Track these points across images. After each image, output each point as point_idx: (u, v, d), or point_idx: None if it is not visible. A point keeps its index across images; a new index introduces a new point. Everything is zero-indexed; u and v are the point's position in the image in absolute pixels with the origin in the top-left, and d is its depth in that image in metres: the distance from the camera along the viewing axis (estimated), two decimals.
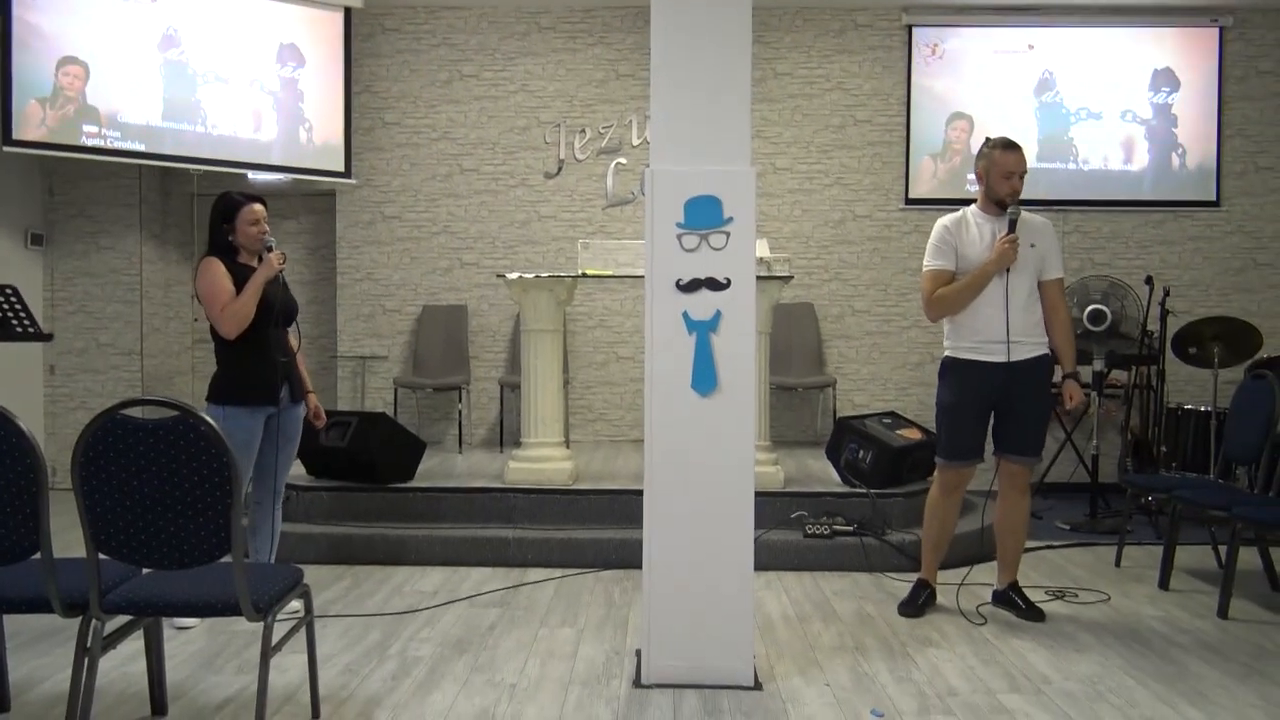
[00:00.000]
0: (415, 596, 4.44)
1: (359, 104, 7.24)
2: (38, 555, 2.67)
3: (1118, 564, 5.03)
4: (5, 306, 4.79)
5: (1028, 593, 4.21)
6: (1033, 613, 4.10)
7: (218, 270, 3.86)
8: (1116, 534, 5.27)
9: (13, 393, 6.32)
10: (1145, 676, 3.47)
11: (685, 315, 3.37)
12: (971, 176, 5.64)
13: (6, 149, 6.04)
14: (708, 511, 3.37)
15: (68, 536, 2.91)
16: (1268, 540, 4.62)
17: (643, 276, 3.45)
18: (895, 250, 7.21)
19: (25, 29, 6.01)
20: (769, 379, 5.54)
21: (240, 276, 3.87)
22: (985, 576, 4.43)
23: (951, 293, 4.01)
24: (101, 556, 2.65)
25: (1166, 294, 6.37)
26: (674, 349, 3.37)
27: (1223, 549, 4.71)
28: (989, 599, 4.26)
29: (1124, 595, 4.49)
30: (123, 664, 3.43)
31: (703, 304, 3.36)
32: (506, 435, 7.05)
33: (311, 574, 3.97)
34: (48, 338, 5.38)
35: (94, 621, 2.70)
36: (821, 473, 5.69)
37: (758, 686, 3.34)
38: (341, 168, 7.10)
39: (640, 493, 3.45)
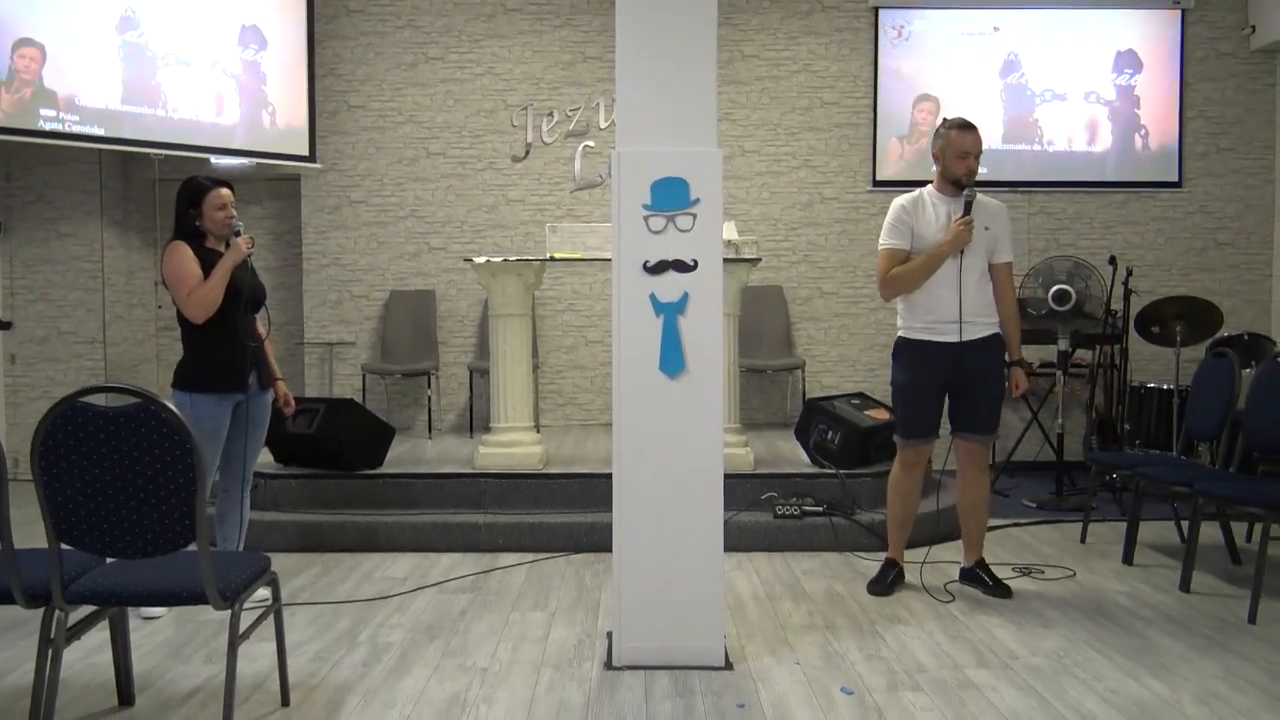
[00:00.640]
0: (385, 583, 4.42)
1: (323, 87, 7.15)
2: None
3: (1083, 540, 5.10)
4: None
5: (995, 570, 4.25)
6: (1000, 589, 4.15)
7: (185, 255, 3.81)
8: (1082, 511, 5.34)
9: None
10: (1110, 650, 3.52)
11: (652, 297, 3.36)
12: None
13: None
14: (677, 493, 3.38)
15: (31, 529, 2.86)
16: (1229, 515, 4.69)
17: (610, 260, 3.44)
18: (863, 232, 7.23)
19: None
20: (738, 361, 5.56)
21: (207, 262, 3.82)
22: (951, 555, 4.48)
23: (906, 272, 4.04)
24: (65, 547, 2.62)
25: (1130, 274, 6.44)
26: (641, 331, 3.36)
27: (1185, 524, 4.79)
28: (957, 577, 4.30)
29: (1089, 571, 4.55)
30: (88, 655, 3.40)
31: (670, 286, 3.36)
32: (476, 420, 7.02)
33: (281, 562, 3.94)
34: (7, 326, 5.31)
35: (57, 612, 2.67)
36: (791, 454, 5.72)
37: (729, 666, 3.36)
38: (306, 151, 7.02)
39: (610, 476, 3.45)
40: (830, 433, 5.33)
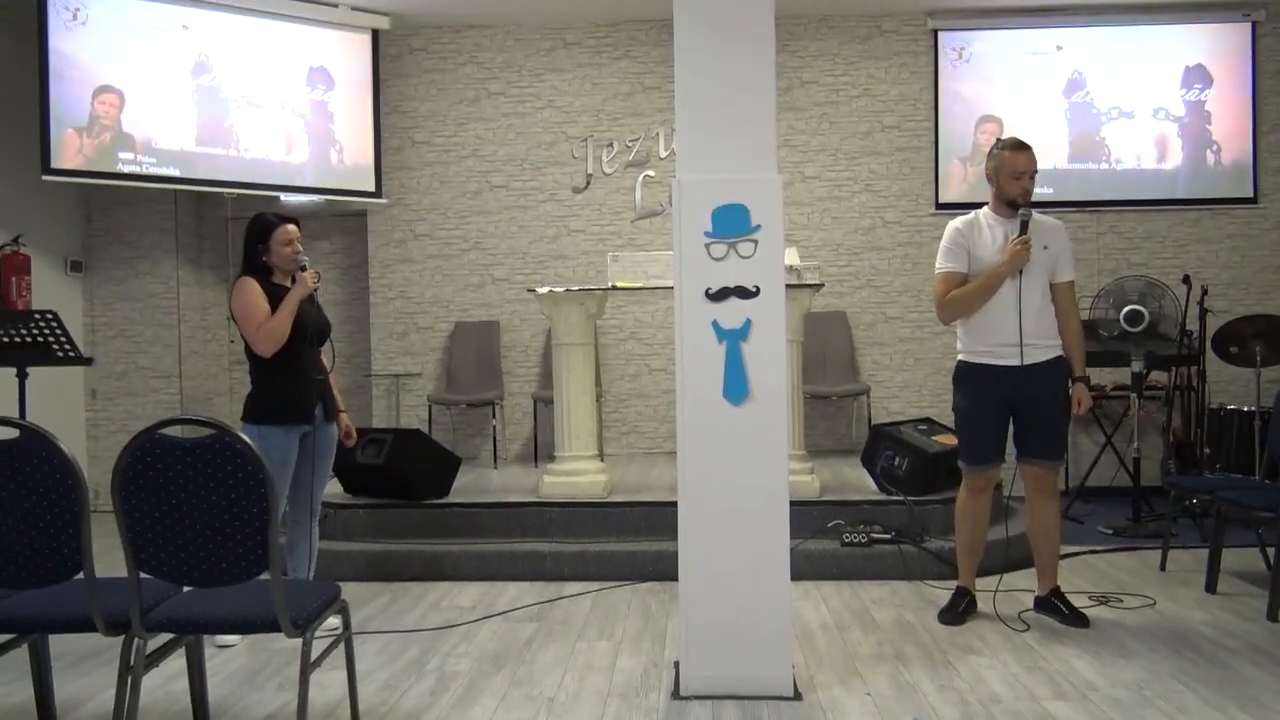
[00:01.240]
0: (452, 612, 4.45)
1: (388, 124, 7.31)
2: (80, 576, 2.70)
3: (1163, 568, 4.95)
4: (46, 331, 4.88)
5: (1070, 598, 4.14)
6: (1076, 618, 4.04)
7: (253, 290, 3.91)
8: (1161, 537, 5.17)
9: (55, 417, 6.41)
10: (1194, 682, 3.40)
11: (715, 324, 3.36)
12: None
13: (46, 178, 6.15)
14: (742, 521, 3.35)
15: (110, 558, 2.94)
16: None
17: (672, 287, 3.45)
18: (926, 256, 7.14)
19: (61, 59, 6.13)
20: (802, 388, 5.51)
21: (275, 296, 3.91)
22: (1025, 583, 4.37)
23: (964, 295, 3.98)
24: (143, 575, 2.68)
25: (1205, 293, 6.27)
26: (704, 358, 3.36)
27: (1270, 550, 4.62)
28: (1031, 606, 4.20)
29: (1170, 599, 4.41)
30: (166, 682, 3.47)
31: (732, 313, 3.35)
32: (541, 449, 7.06)
33: (350, 591, 3.99)
34: (88, 361, 5.47)
35: (136, 640, 2.73)
36: (858, 481, 5.65)
37: (797, 697, 3.31)
38: (372, 187, 7.17)
39: (675, 504, 3.43)
40: (897, 459, 5.25)
